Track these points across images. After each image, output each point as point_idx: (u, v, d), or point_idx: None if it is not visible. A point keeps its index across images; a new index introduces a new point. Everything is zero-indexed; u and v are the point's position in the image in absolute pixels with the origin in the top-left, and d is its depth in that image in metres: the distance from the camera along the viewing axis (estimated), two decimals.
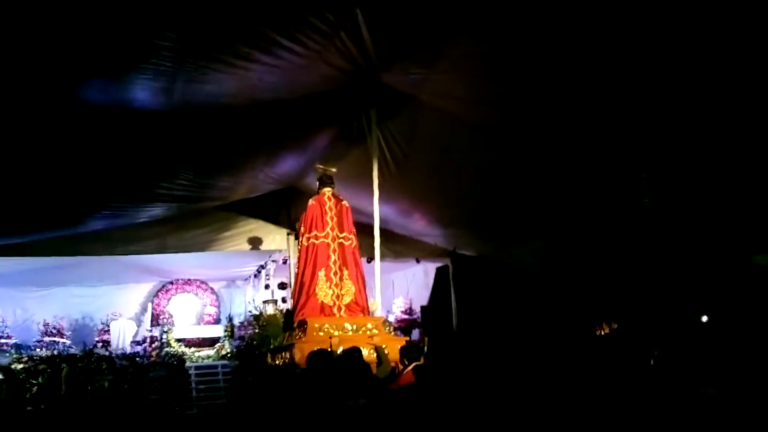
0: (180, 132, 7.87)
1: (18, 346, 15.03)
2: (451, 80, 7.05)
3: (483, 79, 6.76)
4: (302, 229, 9.51)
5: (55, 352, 14.16)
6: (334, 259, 9.18)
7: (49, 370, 12.85)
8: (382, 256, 9.98)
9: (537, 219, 10.26)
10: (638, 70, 5.87)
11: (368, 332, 8.45)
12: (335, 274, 9.13)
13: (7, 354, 14.38)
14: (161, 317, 17.47)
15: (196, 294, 18.50)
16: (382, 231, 9.89)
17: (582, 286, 10.98)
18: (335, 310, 8.98)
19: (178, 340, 15.93)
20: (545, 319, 11.01)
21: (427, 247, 14.93)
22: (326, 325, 8.39)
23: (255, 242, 13.39)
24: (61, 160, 7.88)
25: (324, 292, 9.01)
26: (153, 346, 15.55)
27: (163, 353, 15.04)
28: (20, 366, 13.04)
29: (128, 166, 8.69)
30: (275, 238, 13.48)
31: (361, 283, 9.48)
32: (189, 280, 18.39)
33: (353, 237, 9.49)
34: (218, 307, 18.44)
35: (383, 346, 6.73)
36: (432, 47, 6.43)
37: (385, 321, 16.13)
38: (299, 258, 9.64)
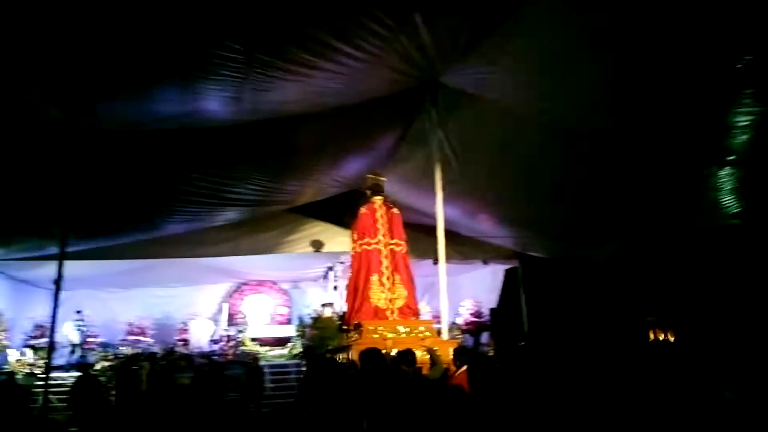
0: (249, 138, 8.16)
1: (104, 345, 15.92)
2: (512, 78, 6.93)
3: (543, 75, 6.62)
4: (355, 236, 10.00)
5: (138, 351, 14.87)
6: (386, 265, 9.60)
7: (133, 368, 13.61)
8: (448, 258, 9.91)
9: (609, 220, 9.91)
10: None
11: (420, 335, 8.72)
12: (387, 278, 9.55)
13: (95, 352, 15.25)
14: (236, 317, 18.02)
15: (269, 294, 19.01)
16: (448, 232, 9.84)
17: (654, 290, 10.49)
18: (388, 313, 9.33)
19: (253, 340, 16.44)
20: (616, 322, 10.59)
21: (495, 249, 14.70)
22: (380, 328, 8.75)
23: (322, 244, 13.65)
24: (143, 167, 8.35)
25: (377, 296, 9.39)
26: (229, 345, 16.06)
27: (238, 352, 15.53)
28: (107, 364, 13.87)
29: (203, 172, 9.10)
30: (342, 240, 13.67)
31: (412, 287, 9.81)
32: (261, 281, 18.93)
33: (404, 243, 9.88)
34: (289, 307, 18.87)
35: (435, 348, 6.78)
36: (491, 46, 6.35)
37: (453, 323, 16.16)
38: (352, 264, 10.06)
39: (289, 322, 18.11)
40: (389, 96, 7.81)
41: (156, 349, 15.27)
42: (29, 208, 8.65)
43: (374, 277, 9.48)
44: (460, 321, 16.87)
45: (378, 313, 9.32)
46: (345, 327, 9.79)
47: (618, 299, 11.25)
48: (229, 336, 16.44)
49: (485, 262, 15.59)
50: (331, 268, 15.86)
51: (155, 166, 8.39)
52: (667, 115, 6.68)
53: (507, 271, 16.15)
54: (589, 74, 6.45)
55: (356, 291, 9.62)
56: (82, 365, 12.52)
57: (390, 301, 9.46)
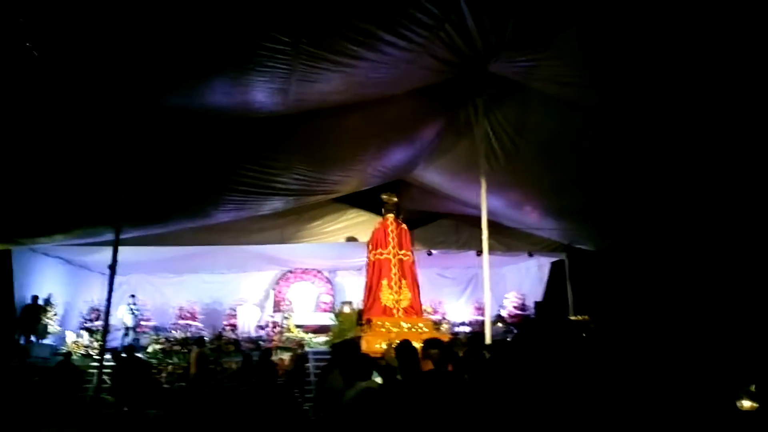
0: (295, 128, 8.26)
1: (156, 329, 16.45)
2: (562, 65, 6.76)
3: (595, 62, 6.44)
4: (370, 246, 12.10)
5: (188, 335, 15.30)
6: (395, 272, 11.61)
7: (184, 351, 14.03)
8: (492, 249, 9.87)
9: (657, 213, 9.58)
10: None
11: (420, 330, 10.54)
12: (395, 283, 11.52)
13: (147, 335, 15.78)
14: (282, 304, 18.33)
15: (313, 282, 19.25)
16: (492, 224, 9.77)
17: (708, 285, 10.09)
18: (395, 311, 11.27)
19: (298, 326, 16.69)
20: (668, 319, 10.25)
21: (541, 241, 14.46)
22: (387, 323, 10.70)
23: (365, 233, 13.74)
24: (195, 157, 8.58)
25: (386, 297, 11.36)
26: (275, 331, 16.34)
27: (284, 338, 15.78)
28: (158, 347, 14.33)
29: (252, 162, 9.28)
30: None
31: (416, 290, 11.83)
32: (306, 269, 19.18)
33: (410, 253, 12.02)
34: (333, 295, 19.07)
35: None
36: (540, 33, 6.22)
37: (497, 316, 16.05)
38: (367, 270, 12.14)
39: (332, 309, 18.30)
40: (434, 86, 7.75)
41: (205, 333, 15.67)
42: (87, 197, 9.00)
43: (384, 282, 11.47)
44: (504, 313, 16.73)
45: (386, 311, 11.22)
46: (360, 322, 11.72)
47: (670, 293, 10.89)
48: (275, 322, 16.72)
49: (530, 254, 15.39)
50: None
51: (206, 155, 8.61)
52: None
53: (553, 263, 15.90)
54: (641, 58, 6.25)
55: (370, 292, 11.65)
56: (127, 347, 12.91)
57: (397, 301, 11.35)
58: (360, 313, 12.23)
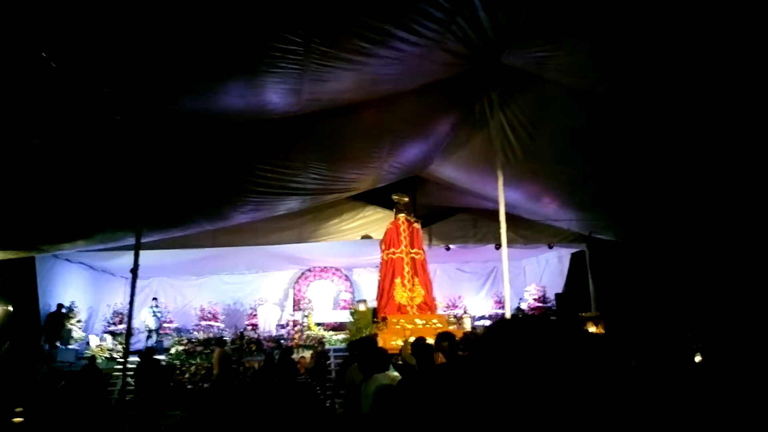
0: (310, 128, 8.25)
1: (178, 330, 16.66)
2: (575, 55, 6.64)
3: (610, 51, 6.31)
4: (383, 246, 12.45)
5: (211, 335, 15.45)
6: (408, 270, 11.99)
7: (206, 352, 14.15)
8: (511, 242, 9.80)
9: (679, 201, 9.42)
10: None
11: (434, 326, 10.74)
12: (408, 281, 11.90)
13: (170, 337, 15.95)
14: (301, 302, 18.46)
15: (332, 281, 19.33)
16: (510, 216, 9.69)
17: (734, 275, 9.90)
18: (409, 308, 11.62)
19: (318, 324, 16.78)
20: (690, 310, 10.09)
21: (560, 233, 14.32)
22: (402, 321, 11.03)
23: (382, 230, 13.73)
24: (212, 159, 8.63)
25: (400, 294, 11.76)
26: (295, 329, 16.44)
27: (304, 336, 15.87)
28: (181, 348, 14.46)
29: (267, 163, 9.31)
30: None
31: (429, 287, 12.20)
32: (325, 267, 19.25)
33: (422, 251, 12.42)
34: (352, 293, 19.12)
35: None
36: (553, 24, 6.12)
37: (518, 309, 15.97)
38: (381, 269, 12.52)
39: (352, 306, 18.33)
40: (447, 80, 7.68)
41: (227, 333, 15.79)
42: (107, 201, 9.10)
43: (398, 280, 11.83)
44: (525, 306, 16.64)
45: (401, 309, 11.54)
46: (375, 320, 12.11)
47: (696, 283, 10.71)
48: (295, 321, 16.81)
49: (550, 246, 15.27)
50: None
51: (224, 158, 8.66)
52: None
53: (573, 255, 15.76)
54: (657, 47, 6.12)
55: (384, 291, 11.94)
56: (146, 350, 13.04)
57: (410, 299, 11.70)
58: (375, 311, 12.53)
